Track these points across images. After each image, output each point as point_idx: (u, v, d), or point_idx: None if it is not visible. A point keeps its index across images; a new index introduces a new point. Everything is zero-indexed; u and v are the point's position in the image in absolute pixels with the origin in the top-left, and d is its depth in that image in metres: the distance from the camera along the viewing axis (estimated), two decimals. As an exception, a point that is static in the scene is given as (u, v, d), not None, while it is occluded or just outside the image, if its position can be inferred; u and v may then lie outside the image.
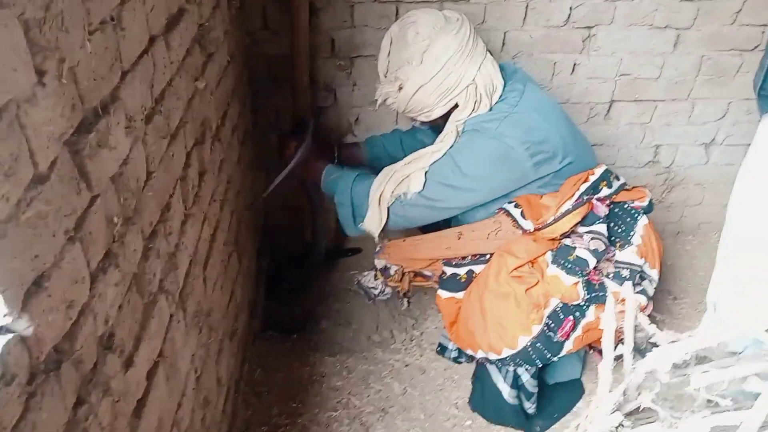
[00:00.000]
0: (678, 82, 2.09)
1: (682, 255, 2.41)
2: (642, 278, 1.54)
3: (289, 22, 1.88)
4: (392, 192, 1.58)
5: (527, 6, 1.91)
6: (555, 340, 1.47)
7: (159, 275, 1.01)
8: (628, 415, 1.07)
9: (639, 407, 1.03)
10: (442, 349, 1.93)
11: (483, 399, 1.72)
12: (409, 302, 2.14)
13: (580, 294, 1.46)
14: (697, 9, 1.94)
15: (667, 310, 2.16)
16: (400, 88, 1.53)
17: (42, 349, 0.63)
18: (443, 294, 1.63)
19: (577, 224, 1.51)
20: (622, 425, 0.99)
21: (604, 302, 1.44)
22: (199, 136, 1.27)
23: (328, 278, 2.22)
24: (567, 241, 1.51)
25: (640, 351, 1.38)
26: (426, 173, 1.55)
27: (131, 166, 0.88)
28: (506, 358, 1.51)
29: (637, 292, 1.53)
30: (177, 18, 1.14)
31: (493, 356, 1.53)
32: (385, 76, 1.58)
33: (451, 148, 1.53)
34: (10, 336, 0.58)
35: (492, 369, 1.64)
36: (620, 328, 1.22)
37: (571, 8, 1.91)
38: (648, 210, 1.62)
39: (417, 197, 1.55)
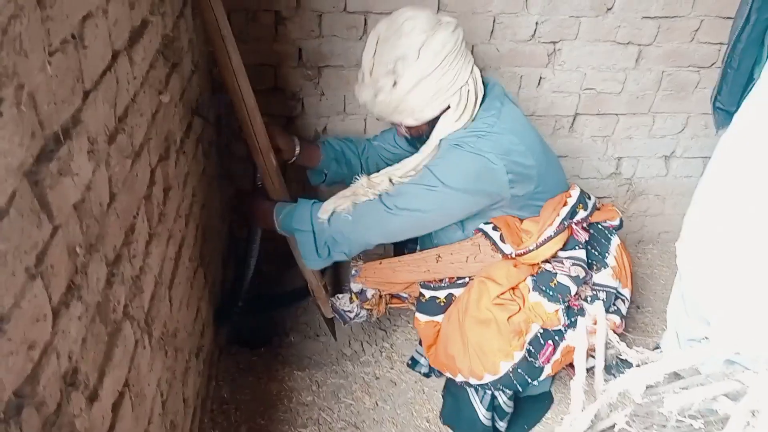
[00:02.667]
0: (639, 97, 2.14)
1: (643, 264, 2.47)
2: (617, 298, 1.57)
3: (258, 31, 1.85)
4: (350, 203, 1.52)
5: (494, 20, 1.92)
6: (536, 365, 1.48)
7: (123, 301, 0.97)
8: (600, 432, 1.08)
9: (612, 426, 1.04)
10: (413, 363, 1.92)
11: (457, 414, 1.72)
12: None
13: (561, 320, 1.47)
14: (658, 26, 1.99)
15: (631, 318, 2.20)
16: (395, 84, 1.43)
17: (1, 397, 0.59)
18: (422, 317, 1.62)
19: (558, 250, 1.51)
20: (595, 445, 1.00)
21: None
22: (163, 151, 1.23)
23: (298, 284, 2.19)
24: (548, 267, 1.50)
25: (608, 367, 1.40)
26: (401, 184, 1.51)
27: (94, 191, 0.84)
28: (487, 383, 1.51)
29: (612, 312, 1.56)
30: (140, 30, 1.10)
31: (473, 381, 1.52)
32: (371, 75, 1.47)
33: (427, 163, 1.49)
34: (-35, 387, 0.54)
35: (470, 390, 1.64)
36: (591, 345, 1.23)
37: (537, 23, 1.93)
38: (619, 228, 1.65)
39: (392, 204, 1.47)
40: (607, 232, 1.60)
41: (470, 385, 1.57)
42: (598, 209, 1.63)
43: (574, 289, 1.45)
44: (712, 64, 2.10)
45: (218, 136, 1.98)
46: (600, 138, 2.24)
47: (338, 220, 1.51)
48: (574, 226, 1.51)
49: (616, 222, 1.63)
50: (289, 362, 1.93)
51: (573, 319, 1.47)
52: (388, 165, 1.73)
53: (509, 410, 1.65)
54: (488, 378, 1.49)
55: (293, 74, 1.97)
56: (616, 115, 2.19)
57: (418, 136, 1.56)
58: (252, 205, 1.67)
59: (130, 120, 1.02)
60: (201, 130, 1.67)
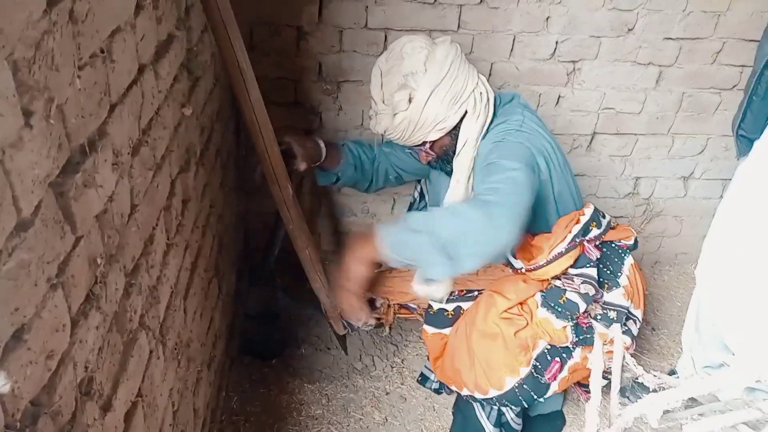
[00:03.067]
0: (659, 117, 2.13)
1: (659, 285, 2.44)
2: (628, 318, 1.55)
3: (280, 44, 1.87)
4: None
5: (514, 39, 1.93)
6: (542, 381, 1.47)
7: (140, 311, 0.98)
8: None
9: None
10: (423, 379, 1.90)
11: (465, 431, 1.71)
12: (390, 328, 2.12)
13: (569, 337, 1.45)
14: (679, 48, 1.99)
15: (646, 340, 2.18)
16: (411, 100, 1.45)
17: (18, 406, 0.60)
18: (429, 329, 1.61)
19: (568, 267, 1.50)
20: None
21: (591, 344, 1.44)
22: (183, 163, 1.25)
23: (305, 301, 2.19)
24: (557, 283, 1.49)
25: (623, 390, 1.37)
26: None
27: (116, 202, 0.85)
28: (492, 398, 1.50)
29: (623, 332, 1.54)
30: (166, 45, 1.12)
31: (478, 395, 1.51)
32: (384, 103, 1.51)
33: (480, 164, 1.46)
34: (-15, 395, 0.55)
35: (476, 405, 1.62)
36: (607, 368, 1.22)
37: (557, 42, 1.94)
38: (633, 248, 1.63)
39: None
40: (620, 251, 1.59)
41: (476, 400, 1.56)
42: (613, 228, 1.61)
43: (583, 306, 1.43)
44: (734, 86, 2.08)
45: (237, 148, 2.00)
46: (618, 157, 2.23)
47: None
48: (586, 243, 1.50)
49: (631, 242, 1.61)
50: (299, 374, 1.93)
51: (581, 337, 1.45)
52: (399, 172, 1.80)
53: (518, 428, 1.63)
54: (493, 393, 1.47)
55: (313, 88, 1.99)
56: (635, 135, 2.17)
57: (443, 154, 1.57)
58: (356, 242, 1.44)
59: (154, 132, 1.03)
60: (220, 141, 1.69)
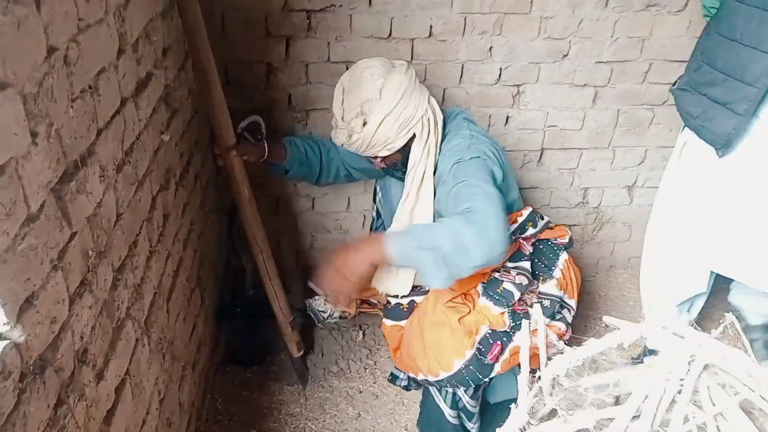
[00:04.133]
0: (599, 133, 2.35)
1: (614, 287, 2.63)
2: (562, 307, 1.74)
3: (252, 79, 2.09)
4: None
5: (463, 67, 2.16)
6: (485, 362, 1.64)
7: (126, 303, 1.16)
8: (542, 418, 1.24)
9: (550, 411, 1.20)
10: (393, 378, 2.07)
11: (428, 420, 1.87)
12: (364, 334, 2.30)
13: (507, 322, 1.64)
14: (611, 70, 2.22)
15: (600, 336, 2.35)
16: (365, 124, 1.64)
17: (31, 355, 0.79)
18: (388, 322, 1.80)
19: (505, 261, 1.70)
20: (529, 423, 1.16)
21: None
22: (163, 182, 1.45)
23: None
24: (496, 275, 1.70)
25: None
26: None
27: (104, 209, 1.04)
28: (443, 379, 1.67)
29: (558, 320, 1.72)
30: (145, 81, 1.33)
31: (432, 378, 1.69)
32: (343, 120, 1.69)
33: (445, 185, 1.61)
34: (6, 342, 0.74)
35: (434, 390, 1.80)
36: (535, 345, 1.40)
37: (501, 69, 2.17)
38: (568, 246, 1.83)
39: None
40: (556, 248, 1.78)
41: (431, 384, 1.73)
42: (551, 228, 1.81)
43: (517, 294, 1.63)
44: (664, 102, 2.31)
45: (216, 174, 2.20)
46: (566, 170, 2.44)
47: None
48: (522, 240, 1.70)
49: (566, 240, 1.81)
50: (279, 378, 2.10)
51: (518, 322, 1.63)
52: (350, 170, 2.01)
53: (473, 410, 1.80)
54: (443, 375, 1.65)
55: (284, 117, 2.20)
56: (579, 149, 2.39)
57: (392, 165, 1.78)
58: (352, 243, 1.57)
59: (135, 154, 1.23)
60: (200, 166, 1.89)
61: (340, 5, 1.99)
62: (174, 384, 1.53)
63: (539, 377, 1.24)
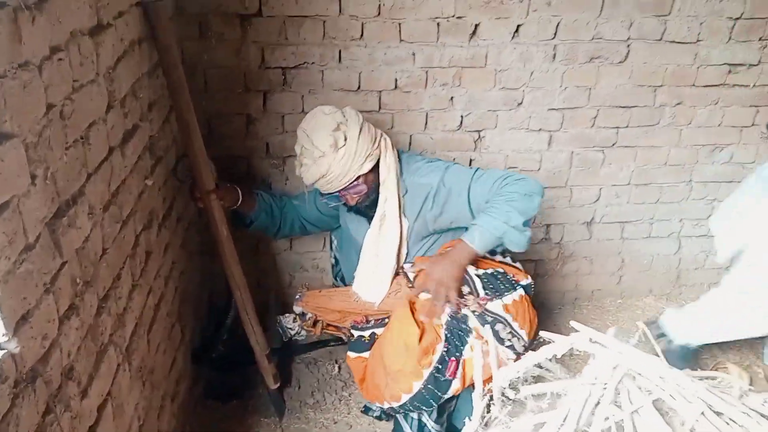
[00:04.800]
0: (555, 173, 2.54)
1: (579, 318, 2.69)
2: (513, 335, 1.83)
3: (232, 130, 2.27)
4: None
5: (427, 115, 2.35)
6: (443, 379, 1.75)
7: (109, 329, 1.29)
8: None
9: (495, 418, 1.32)
10: (366, 409, 2.17)
11: None
12: (339, 367, 2.40)
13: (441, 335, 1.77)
14: (562, 116, 2.42)
15: (572, 368, 2.47)
16: (346, 139, 1.86)
17: (24, 365, 0.91)
18: (352, 354, 1.92)
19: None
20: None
21: (464, 333, 1.76)
22: (146, 222, 1.59)
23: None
24: None
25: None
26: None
27: (91, 243, 1.18)
28: (405, 403, 1.77)
29: (507, 347, 1.80)
30: (131, 132, 1.49)
31: (395, 404, 1.79)
32: (319, 149, 1.87)
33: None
34: (4, 351, 0.86)
35: (401, 419, 1.90)
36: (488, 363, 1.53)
37: (462, 116, 2.36)
38: (527, 290, 1.95)
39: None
40: (513, 283, 1.91)
41: (396, 411, 1.83)
42: (514, 267, 1.97)
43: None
44: (613, 144, 2.51)
45: (199, 217, 2.35)
46: (528, 209, 2.61)
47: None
48: (488, 257, 1.92)
49: (524, 282, 1.95)
50: (257, 412, 2.18)
51: (453, 319, 1.77)
52: (304, 223, 2.21)
53: None
54: (405, 398, 1.75)
55: (262, 164, 2.37)
56: (539, 188, 2.57)
57: (372, 189, 1.96)
58: (446, 256, 1.87)
59: (121, 196, 1.38)
60: (182, 210, 2.04)
61: (313, 62, 2.19)
62: (153, 412, 1.63)
63: (490, 390, 1.37)
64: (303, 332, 2.06)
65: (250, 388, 2.28)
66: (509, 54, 2.26)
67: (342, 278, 2.32)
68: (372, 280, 2.01)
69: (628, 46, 2.31)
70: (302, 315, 2.04)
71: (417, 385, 1.74)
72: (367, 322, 1.91)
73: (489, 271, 1.90)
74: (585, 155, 2.52)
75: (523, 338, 1.83)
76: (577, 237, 2.70)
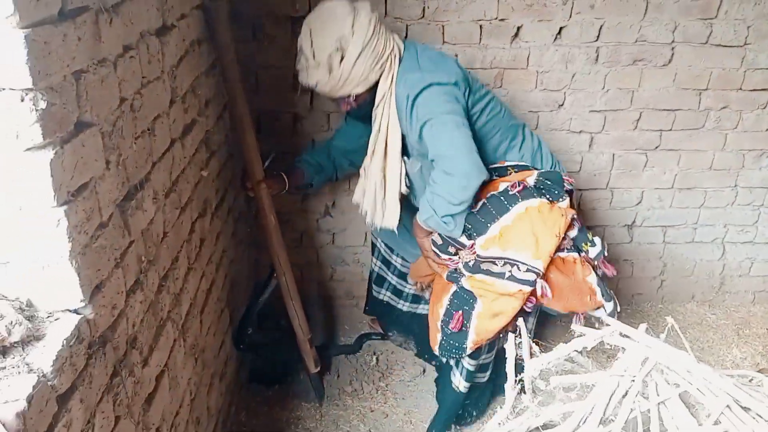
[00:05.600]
0: (596, 175, 2.55)
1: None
2: (511, 264, 1.75)
3: (280, 127, 2.38)
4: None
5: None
6: (449, 332, 1.83)
7: (168, 306, 1.40)
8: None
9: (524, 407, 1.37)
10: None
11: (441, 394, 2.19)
12: (377, 359, 2.48)
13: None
14: (604, 118, 2.44)
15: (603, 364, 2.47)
16: (342, 58, 1.77)
17: (97, 330, 1.02)
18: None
19: None
20: (508, 418, 1.33)
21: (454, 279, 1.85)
22: (201, 211, 1.70)
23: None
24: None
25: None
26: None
27: (155, 225, 1.29)
28: (439, 351, 1.91)
29: (507, 279, 1.75)
30: (190, 126, 1.60)
31: (437, 350, 1.93)
32: (314, 59, 1.79)
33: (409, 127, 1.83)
34: (81, 316, 0.97)
35: (453, 365, 2.06)
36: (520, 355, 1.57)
37: (502, 116, 2.40)
38: (541, 192, 1.83)
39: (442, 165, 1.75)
40: (510, 201, 1.80)
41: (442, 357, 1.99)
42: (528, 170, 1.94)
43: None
44: (656, 147, 2.50)
45: (248, 210, 2.47)
46: (568, 210, 2.63)
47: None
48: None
49: (530, 183, 1.85)
50: (298, 396, 2.28)
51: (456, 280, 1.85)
52: (352, 158, 2.22)
53: (480, 375, 2.06)
54: (436, 347, 1.91)
55: (308, 160, 2.46)
56: (580, 190, 2.58)
57: (362, 104, 1.90)
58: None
59: (180, 184, 1.49)
60: (233, 202, 2.15)
61: (358, 62, 2.28)
62: (204, 388, 1.74)
63: (521, 379, 1.42)
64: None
65: (291, 374, 2.38)
66: (551, 56, 2.29)
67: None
68: (374, 203, 2.00)
69: (673, 49, 2.30)
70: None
71: (438, 337, 1.85)
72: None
73: (488, 196, 1.85)
74: (627, 158, 2.52)
75: (524, 263, 1.74)
76: (617, 240, 2.70)
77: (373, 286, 2.47)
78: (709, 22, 2.25)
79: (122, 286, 1.12)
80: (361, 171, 2.07)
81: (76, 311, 0.97)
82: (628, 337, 1.27)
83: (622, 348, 1.28)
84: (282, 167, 2.17)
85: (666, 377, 1.19)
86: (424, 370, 2.42)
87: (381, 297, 2.45)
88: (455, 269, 1.86)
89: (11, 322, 0.87)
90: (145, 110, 1.24)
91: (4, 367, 0.84)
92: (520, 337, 1.54)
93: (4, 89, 0.81)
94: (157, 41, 1.32)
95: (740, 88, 2.39)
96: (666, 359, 1.20)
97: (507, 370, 1.52)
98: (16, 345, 0.88)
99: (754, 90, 2.40)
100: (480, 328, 1.80)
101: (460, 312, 1.82)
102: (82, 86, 0.95)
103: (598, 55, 2.30)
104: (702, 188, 2.59)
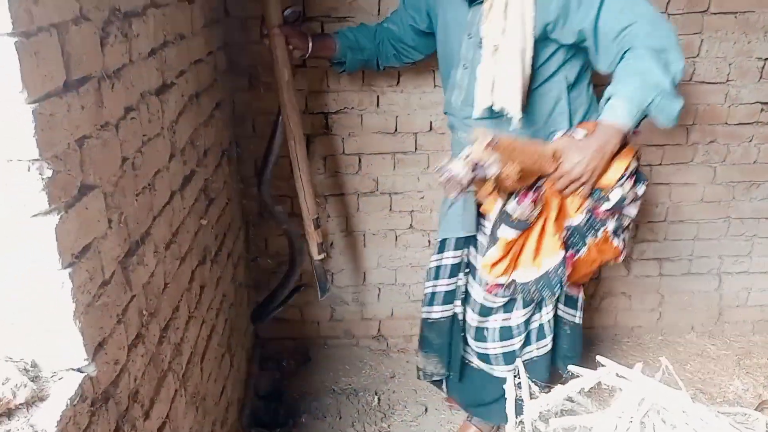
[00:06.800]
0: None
1: (618, 354, 2.76)
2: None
3: (276, 171, 2.43)
4: None
5: (461, 154, 2.45)
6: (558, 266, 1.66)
7: (169, 357, 1.41)
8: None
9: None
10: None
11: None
12: (379, 399, 2.47)
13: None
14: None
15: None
16: None
17: (99, 387, 1.04)
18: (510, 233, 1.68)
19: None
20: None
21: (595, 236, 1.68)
22: (201, 258, 1.73)
23: (306, 378, 2.57)
24: None
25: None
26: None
27: (155, 278, 1.32)
28: (532, 281, 1.69)
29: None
30: (190, 177, 1.64)
31: (521, 280, 1.71)
32: None
33: None
34: (84, 374, 0.99)
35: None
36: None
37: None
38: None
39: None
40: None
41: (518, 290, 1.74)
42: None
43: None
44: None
45: (246, 253, 2.50)
46: (563, 245, 2.66)
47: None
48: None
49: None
50: (300, 438, 2.27)
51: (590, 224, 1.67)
52: (398, 48, 2.05)
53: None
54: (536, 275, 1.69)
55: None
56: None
57: None
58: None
59: (180, 235, 1.52)
60: (232, 246, 2.18)
61: (352, 107, 2.34)
62: (205, 436, 1.74)
63: (521, 421, 1.43)
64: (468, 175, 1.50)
65: (293, 417, 2.37)
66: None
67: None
68: (494, 85, 1.65)
69: (659, 86, 2.37)
70: (476, 166, 1.46)
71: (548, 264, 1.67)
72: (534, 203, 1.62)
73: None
74: (619, 192, 2.56)
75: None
76: (614, 273, 2.72)
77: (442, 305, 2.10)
78: (691, 60, 2.32)
79: (124, 341, 1.14)
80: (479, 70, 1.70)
81: (79, 370, 0.99)
82: (624, 377, 1.29)
83: (619, 388, 1.29)
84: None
85: (663, 417, 1.21)
86: (426, 409, 2.42)
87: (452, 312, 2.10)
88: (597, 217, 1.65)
89: (16, 385, 0.89)
90: (146, 167, 1.28)
91: (9, 430, 0.86)
92: (520, 378, 1.56)
93: (11, 160, 0.85)
94: (157, 100, 1.37)
95: (726, 123, 2.44)
96: (662, 399, 1.21)
97: (507, 411, 1.54)
98: (21, 406, 0.90)
99: (740, 124, 2.46)
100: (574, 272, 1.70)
101: (572, 253, 1.68)
102: (86, 152, 0.99)
103: (586, 95, 2.36)
104: (694, 221, 2.63)
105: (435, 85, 2.33)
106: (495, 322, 2.01)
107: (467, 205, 1.92)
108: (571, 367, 1.43)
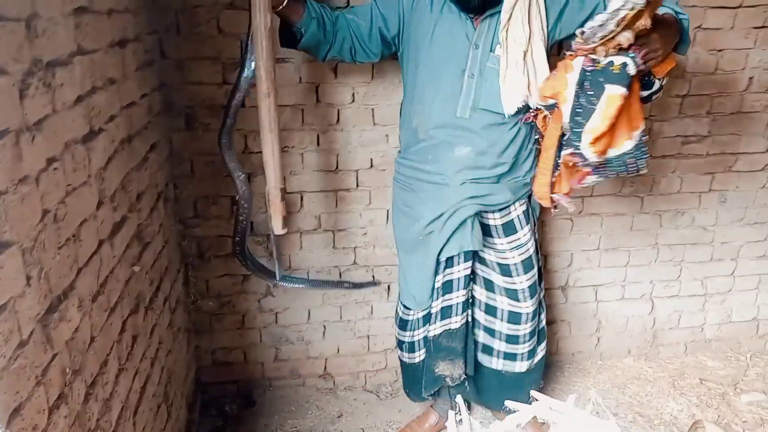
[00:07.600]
0: (528, 240, 2.66)
1: (561, 381, 2.81)
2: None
3: (217, 211, 2.39)
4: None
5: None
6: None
7: (96, 415, 1.35)
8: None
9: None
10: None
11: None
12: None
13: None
14: (530, 186, 2.57)
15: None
16: None
17: (15, 456, 0.98)
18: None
19: None
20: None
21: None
22: (133, 307, 1.67)
23: (250, 423, 2.50)
24: None
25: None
26: None
27: (80, 333, 1.27)
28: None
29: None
30: (121, 224, 1.60)
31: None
32: None
33: None
34: (-3, 444, 0.94)
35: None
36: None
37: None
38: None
39: None
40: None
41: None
42: None
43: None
44: (580, 212, 2.65)
45: (186, 296, 2.43)
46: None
47: None
48: None
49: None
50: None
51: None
52: (354, 43, 1.98)
53: None
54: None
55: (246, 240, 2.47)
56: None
57: None
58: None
59: (109, 285, 1.47)
60: (169, 291, 2.12)
61: (293, 146, 2.34)
62: (139, 494, 1.66)
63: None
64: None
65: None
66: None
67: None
68: (530, 85, 1.87)
69: (586, 122, 2.48)
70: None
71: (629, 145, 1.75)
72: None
73: None
74: (555, 223, 2.65)
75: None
76: (553, 301, 2.80)
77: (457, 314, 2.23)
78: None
79: (44, 404, 1.09)
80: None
81: (-9, 441, 0.94)
82: (557, 411, 1.32)
83: (552, 422, 1.32)
84: None
85: (594, 451, 1.24)
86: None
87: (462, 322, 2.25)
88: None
89: None
90: (70, 218, 1.24)
91: None
92: (461, 414, 1.57)
93: None
94: (84, 148, 1.33)
95: (651, 156, 2.58)
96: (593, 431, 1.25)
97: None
98: (-77, 485, 0.84)
99: (664, 156, 2.60)
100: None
101: None
102: (1, 208, 0.96)
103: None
104: (626, 248, 2.74)
105: (374, 123, 2.36)
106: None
107: (474, 224, 2.08)
108: (508, 402, 1.45)
